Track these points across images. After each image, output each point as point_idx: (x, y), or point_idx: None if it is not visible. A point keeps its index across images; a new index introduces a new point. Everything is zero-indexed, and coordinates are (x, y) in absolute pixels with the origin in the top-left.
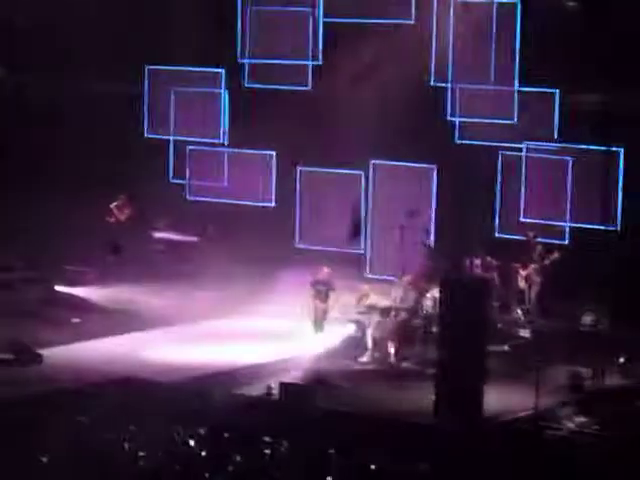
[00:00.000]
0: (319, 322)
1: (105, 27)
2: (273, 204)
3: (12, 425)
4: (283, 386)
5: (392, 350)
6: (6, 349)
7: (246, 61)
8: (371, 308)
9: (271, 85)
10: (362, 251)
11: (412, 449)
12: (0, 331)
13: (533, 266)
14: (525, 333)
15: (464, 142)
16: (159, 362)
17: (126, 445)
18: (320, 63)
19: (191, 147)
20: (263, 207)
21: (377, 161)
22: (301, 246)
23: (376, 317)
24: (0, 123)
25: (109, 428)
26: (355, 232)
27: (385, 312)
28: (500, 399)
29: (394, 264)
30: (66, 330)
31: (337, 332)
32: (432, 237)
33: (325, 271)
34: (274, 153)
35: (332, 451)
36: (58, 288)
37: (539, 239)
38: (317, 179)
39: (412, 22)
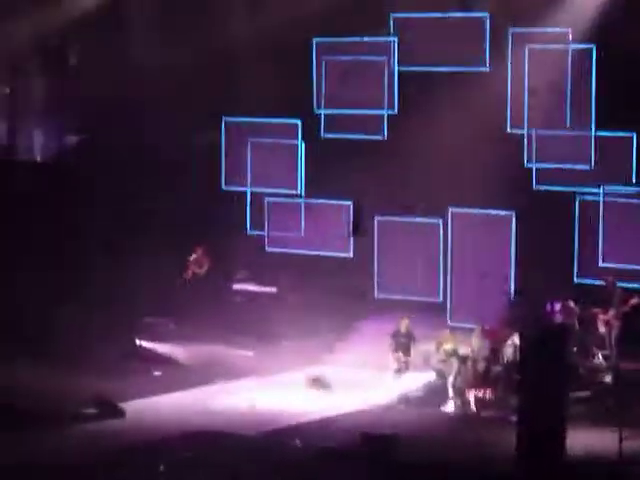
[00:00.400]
0: (400, 373)
1: (183, 78)
2: (351, 254)
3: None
4: (364, 436)
5: (473, 398)
6: (89, 404)
7: (322, 112)
8: (450, 355)
9: (347, 135)
10: (439, 300)
11: None
12: (83, 385)
13: (613, 311)
14: (607, 378)
15: (542, 188)
16: (241, 414)
17: None
18: (396, 112)
19: (269, 199)
20: (341, 257)
21: (455, 209)
22: (381, 296)
23: (456, 364)
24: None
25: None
26: (354, 229)
27: (465, 360)
28: (582, 444)
29: (474, 312)
30: (148, 383)
31: (418, 380)
32: (512, 284)
33: (405, 322)
34: (351, 203)
35: None
36: (140, 341)
37: (619, 284)
38: (394, 228)
39: (487, 70)
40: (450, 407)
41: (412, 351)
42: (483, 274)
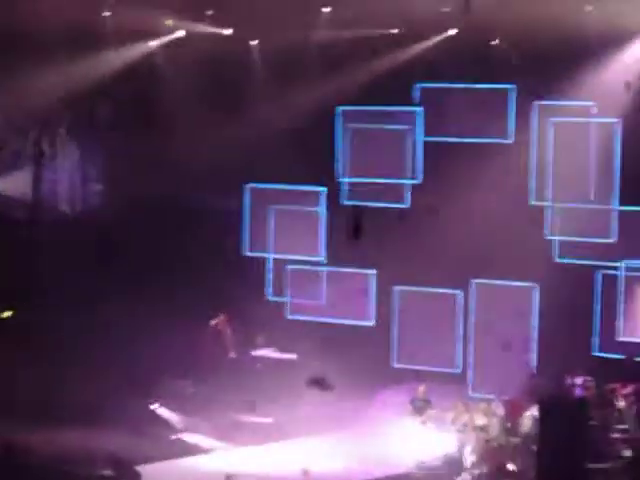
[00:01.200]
0: (417, 439)
1: (205, 144)
2: (373, 323)
3: None
4: None
5: (489, 470)
6: (105, 465)
7: (345, 180)
8: (467, 426)
9: (370, 203)
10: (458, 370)
11: None
12: (100, 447)
13: (632, 385)
14: (627, 452)
15: (564, 261)
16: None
17: None
18: (419, 182)
19: (291, 266)
20: (362, 326)
21: (478, 280)
22: (399, 366)
23: (474, 435)
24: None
25: None
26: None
27: (482, 430)
28: None
29: (494, 383)
30: (164, 447)
31: (435, 448)
32: (534, 356)
33: (422, 389)
34: (374, 272)
35: None
36: (157, 404)
37: (636, 358)
38: (414, 298)
39: (511, 142)
40: (466, 478)
41: (427, 416)
42: (505, 345)
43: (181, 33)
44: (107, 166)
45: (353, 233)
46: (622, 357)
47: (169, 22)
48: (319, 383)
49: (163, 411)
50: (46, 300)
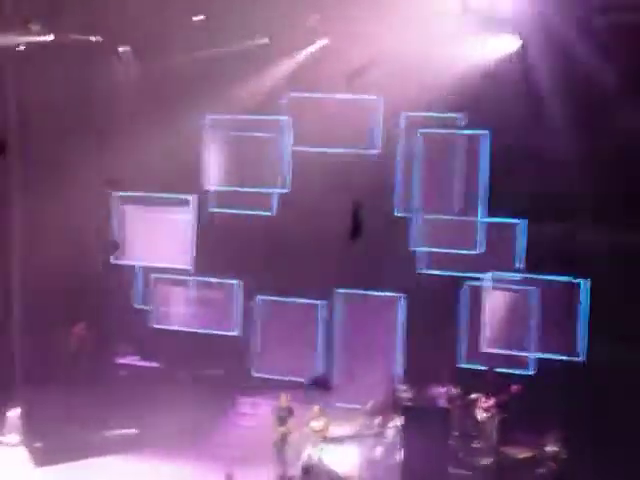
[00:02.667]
0: (280, 447)
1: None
2: (237, 333)
3: None
4: None
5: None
6: None
7: (212, 188)
8: (318, 433)
9: (237, 210)
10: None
11: None
12: None
13: (494, 397)
14: (486, 461)
15: (428, 272)
16: None
17: None
18: (287, 191)
19: (156, 275)
20: (227, 335)
21: (341, 290)
22: (260, 375)
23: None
24: None
25: None
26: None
27: (319, 433)
28: None
29: (357, 393)
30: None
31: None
32: (398, 366)
33: (284, 397)
34: (239, 282)
35: None
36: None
37: (498, 370)
38: (276, 308)
39: (377, 152)
40: None
41: (290, 424)
42: (369, 356)
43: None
44: None
45: (352, 233)
46: (484, 369)
47: (34, 26)
48: (319, 383)
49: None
50: None
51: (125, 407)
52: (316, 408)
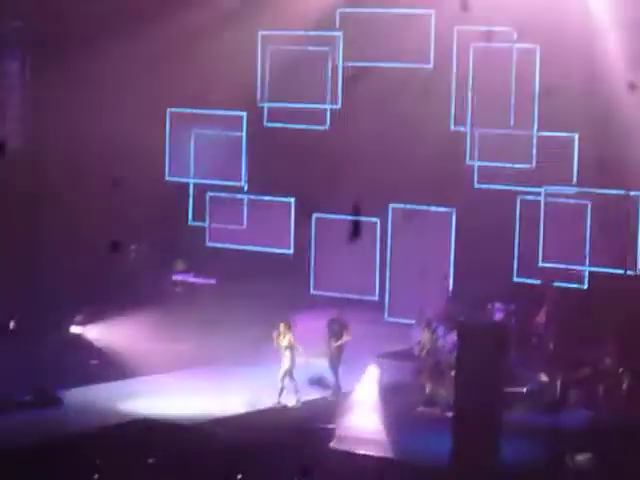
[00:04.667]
0: (335, 362)
1: (129, 69)
2: (291, 251)
3: (32, 467)
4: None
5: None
6: (27, 392)
7: (265, 105)
8: (287, 348)
9: (290, 125)
10: (376, 298)
11: None
12: (21, 374)
13: (550, 311)
14: (542, 377)
15: (483, 187)
16: (174, 405)
17: None
18: (339, 107)
19: (211, 193)
20: (281, 253)
21: (396, 205)
22: (316, 293)
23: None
24: None
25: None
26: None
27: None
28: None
29: (413, 308)
30: (85, 372)
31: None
32: (451, 281)
33: (337, 311)
34: (292, 200)
35: None
36: (76, 330)
37: (555, 284)
38: (333, 226)
39: (431, 67)
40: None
41: (345, 337)
42: (422, 271)
43: None
44: None
45: (353, 232)
46: (540, 282)
47: None
48: (319, 383)
49: (83, 337)
50: None
51: (181, 324)
52: (282, 325)
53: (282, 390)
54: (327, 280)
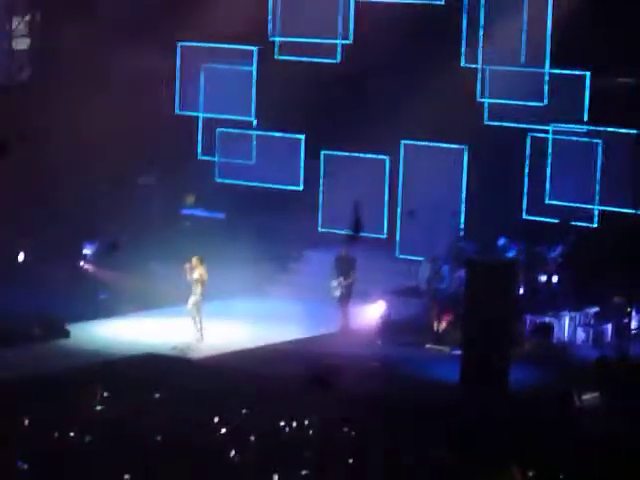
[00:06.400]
0: (344, 298)
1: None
2: (301, 187)
3: (38, 399)
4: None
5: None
6: (34, 324)
7: (277, 39)
8: (198, 282)
9: (301, 57)
10: (384, 236)
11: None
12: (28, 307)
13: (559, 249)
14: (550, 315)
15: (493, 124)
16: (184, 339)
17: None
18: (350, 42)
19: (220, 129)
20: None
21: (407, 141)
22: (324, 230)
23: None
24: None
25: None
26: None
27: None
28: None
29: (422, 245)
30: (93, 306)
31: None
32: (461, 218)
33: (344, 249)
34: (303, 136)
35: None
36: (85, 264)
37: (570, 222)
38: (342, 163)
39: (442, 3)
40: None
41: (353, 275)
42: (433, 208)
43: None
44: None
45: (354, 228)
46: (551, 220)
47: None
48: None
49: (92, 272)
50: None
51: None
52: (195, 258)
53: (195, 321)
54: (334, 217)
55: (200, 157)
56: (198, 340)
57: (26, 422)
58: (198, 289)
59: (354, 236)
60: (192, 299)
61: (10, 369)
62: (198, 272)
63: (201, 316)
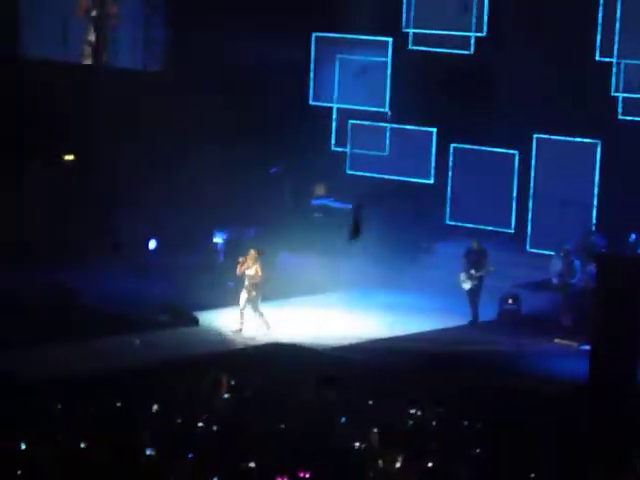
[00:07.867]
0: (474, 291)
1: None
2: (431, 180)
3: (167, 387)
4: None
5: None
6: (163, 312)
7: (410, 31)
8: (249, 277)
9: (435, 49)
10: (511, 230)
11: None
12: (158, 294)
13: None
14: None
15: (627, 118)
16: (309, 328)
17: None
18: (484, 34)
19: (353, 121)
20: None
21: (540, 135)
22: (452, 223)
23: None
24: None
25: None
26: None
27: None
28: None
29: (554, 239)
30: (222, 294)
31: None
32: (594, 213)
33: (477, 240)
34: (434, 129)
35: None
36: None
37: None
38: (472, 157)
39: None
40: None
41: (485, 267)
42: (564, 203)
43: None
44: None
45: (354, 231)
46: None
47: None
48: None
49: (219, 260)
50: None
51: (317, 245)
52: (252, 252)
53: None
54: (462, 211)
55: (333, 148)
56: (265, 332)
57: (154, 408)
58: (251, 286)
59: (353, 236)
60: (244, 295)
61: (138, 356)
62: (255, 268)
63: (260, 311)
